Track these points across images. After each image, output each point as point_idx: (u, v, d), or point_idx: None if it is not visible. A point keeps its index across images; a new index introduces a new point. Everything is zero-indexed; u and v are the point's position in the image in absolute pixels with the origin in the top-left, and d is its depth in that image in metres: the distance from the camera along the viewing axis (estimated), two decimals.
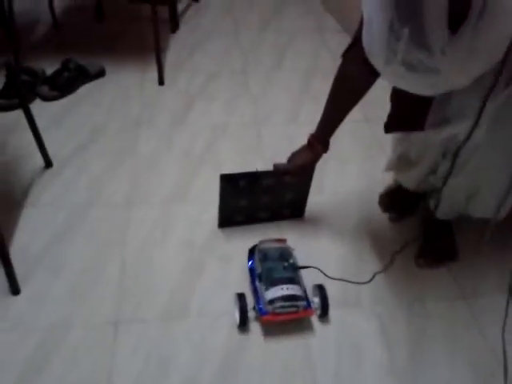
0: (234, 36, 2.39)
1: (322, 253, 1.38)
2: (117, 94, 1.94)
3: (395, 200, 1.51)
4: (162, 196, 1.53)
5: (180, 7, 2.55)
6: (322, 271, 1.29)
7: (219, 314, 1.22)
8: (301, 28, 2.48)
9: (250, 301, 1.21)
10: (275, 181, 1.38)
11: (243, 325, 1.19)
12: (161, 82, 2.00)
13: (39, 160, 1.57)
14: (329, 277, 1.29)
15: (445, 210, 1.32)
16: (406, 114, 1.20)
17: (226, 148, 1.72)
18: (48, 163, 1.57)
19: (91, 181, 1.55)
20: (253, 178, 1.37)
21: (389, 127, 1.29)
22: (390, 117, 1.29)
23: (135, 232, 1.41)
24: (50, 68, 1.97)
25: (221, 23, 2.51)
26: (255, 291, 1.23)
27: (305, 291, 1.21)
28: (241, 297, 1.20)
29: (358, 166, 1.66)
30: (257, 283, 1.23)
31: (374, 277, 1.31)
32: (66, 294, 1.24)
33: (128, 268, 1.31)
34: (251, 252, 1.32)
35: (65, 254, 1.33)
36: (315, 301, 1.23)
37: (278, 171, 1.33)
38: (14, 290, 1.21)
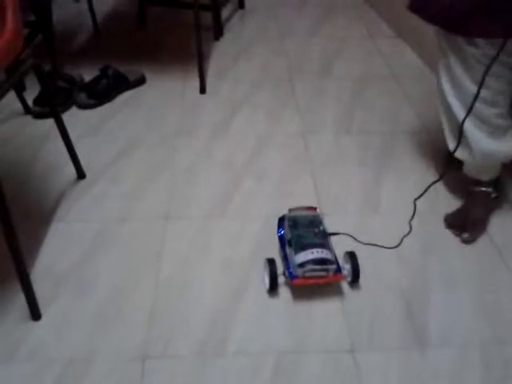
0: (280, 43, 2.25)
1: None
2: (156, 103, 1.85)
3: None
4: (200, 210, 1.41)
5: (224, 14, 2.46)
6: (352, 236, 1.29)
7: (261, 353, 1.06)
8: (350, 34, 2.32)
9: (280, 268, 1.20)
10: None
11: (273, 290, 1.18)
12: (202, 90, 1.91)
13: (72, 171, 1.48)
14: (359, 241, 1.29)
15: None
16: None
17: (270, 160, 1.59)
18: (81, 175, 1.47)
19: (125, 194, 1.45)
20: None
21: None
22: None
23: (171, 251, 1.28)
24: (89, 75, 1.90)
25: (266, 30, 2.38)
26: (285, 257, 1.21)
27: (335, 256, 1.19)
28: (271, 262, 1.18)
29: None
30: (287, 249, 1.22)
31: (401, 241, 1.28)
32: (91, 320, 1.11)
33: (161, 294, 1.17)
34: (281, 220, 1.29)
35: (93, 275, 1.21)
36: (346, 267, 1.20)
37: None
38: (35, 315, 1.10)
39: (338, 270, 1.17)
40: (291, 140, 1.67)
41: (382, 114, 1.75)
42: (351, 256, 1.19)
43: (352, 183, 1.49)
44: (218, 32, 2.27)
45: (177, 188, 1.48)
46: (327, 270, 1.15)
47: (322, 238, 1.19)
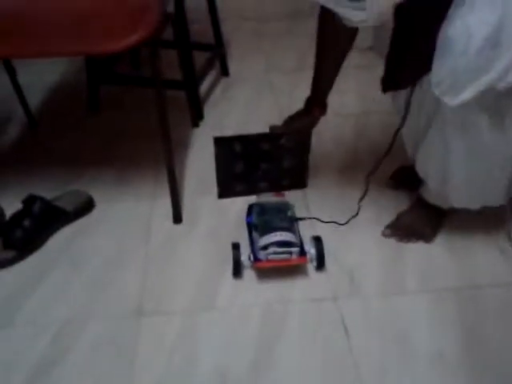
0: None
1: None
2: (107, 247, 1.30)
3: (407, 177, 1.44)
4: (182, 302, 1.18)
5: (204, 85, 1.95)
6: (319, 219, 1.33)
7: None
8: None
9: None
10: (272, 145, 1.36)
11: (237, 273, 1.20)
12: (177, 218, 1.38)
13: None
14: (323, 221, 1.33)
15: (428, 191, 1.29)
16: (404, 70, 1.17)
17: None
18: None
19: None
20: (248, 141, 1.34)
21: (386, 85, 1.26)
22: (387, 76, 1.25)
23: (146, 361, 1.05)
24: (11, 205, 1.35)
25: (259, 106, 1.89)
26: (251, 242, 1.24)
27: (300, 240, 1.22)
28: (235, 246, 1.21)
29: None
30: (253, 233, 1.25)
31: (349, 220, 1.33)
32: None
33: None
34: (250, 208, 1.33)
35: None
36: (312, 252, 1.22)
37: (274, 133, 1.31)
38: None
39: (303, 253, 1.21)
40: None
41: None
42: (316, 240, 1.23)
43: None
44: (196, 116, 1.78)
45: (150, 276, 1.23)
46: (290, 253, 1.18)
47: (288, 223, 1.23)
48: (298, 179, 1.47)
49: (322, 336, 1.10)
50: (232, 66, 2.16)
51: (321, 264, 1.22)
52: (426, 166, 1.24)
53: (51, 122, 1.84)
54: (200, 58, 1.90)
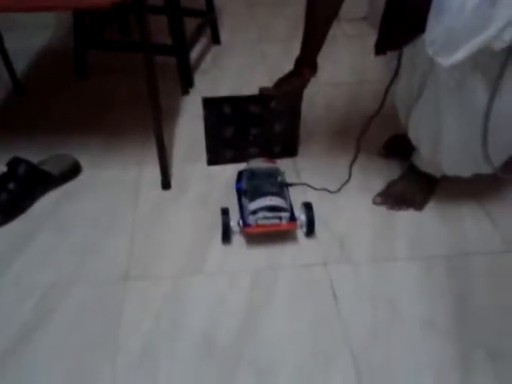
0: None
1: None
2: (94, 211, 1.28)
3: (399, 145, 1.43)
4: (170, 268, 1.16)
5: (195, 52, 1.92)
6: (310, 185, 1.32)
7: None
8: None
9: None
10: (262, 108, 1.34)
11: (225, 238, 1.18)
12: (165, 184, 1.35)
13: None
14: (314, 188, 1.32)
15: (420, 159, 1.28)
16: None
17: None
18: None
19: None
20: (238, 102, 1.32)
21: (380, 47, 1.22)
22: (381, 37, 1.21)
23: (132, 324, 1.04)
24: None
25: (252, 73, 1.86)
26: (240, 207, 1.23)
27: (291, 206, 1.21)
28: (224, 212, 1.18)
29: None
30: (243, 199, 1.23)
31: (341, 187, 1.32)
32: None
33: None
34: (240, 174, 1.31)
35: (30, 362, 0.97)
36: (302, 218, 1.20)
37: (264, 95, 1.29)
38: None
39: (292, 218, 1.19)
40: None
41: None
42: (307, 206, 1.21)
43: None
44: (186, 84, 1.73)
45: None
46: (280, 218, 1.17)
47: (279, 188, 1.21)
48: (289, 146, 1.45)
49: (311, 301, 1.09)
50: (224, 35, 2.12)
51: (311, 230, 1.20)
52: (419, 131, 1.22)
53: (37, 87, 1.80)
54: (191, 24, 1.85)
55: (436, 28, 0.97)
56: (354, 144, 1.32)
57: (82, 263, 1.17)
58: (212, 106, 1.33)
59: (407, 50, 1.17)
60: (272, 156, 1.39)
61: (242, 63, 1.96)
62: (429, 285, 1.13)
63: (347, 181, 1.33)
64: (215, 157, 1.42)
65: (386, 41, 1.20)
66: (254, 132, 1.40)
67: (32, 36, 2.09)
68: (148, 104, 1.26)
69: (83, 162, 1.44)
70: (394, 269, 1.16)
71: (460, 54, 0.95)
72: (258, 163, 1.30)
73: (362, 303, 1.08)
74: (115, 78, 1.84)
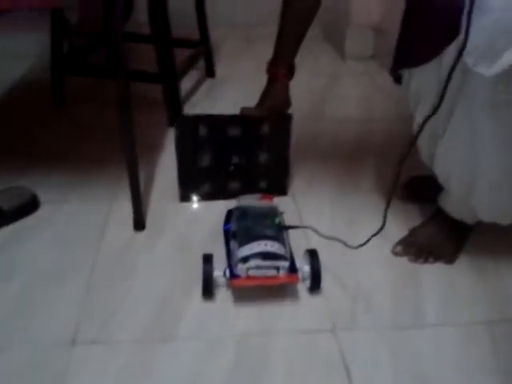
0: None
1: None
2: (46, 255, 1.04)
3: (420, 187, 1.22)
4: (133, 330, 0.90)
5: (186, 85, 1.74)
6: (315, 230, 1.03)
7: None
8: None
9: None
10: (244, 132, 1.15)
11: (207, 293, 0.93)
12: (138, 224, 1.12)
13: None
14: (323, 236, 1.02)
15: (449, 201, 1.06)
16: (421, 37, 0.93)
17: None
18: None
19: None
20: (216, 122, 1.14)
21: (397, 64, 1.02)
22: (399, 51, 1.02)
23: None
24: None
25: (247, 104, 1.60)
26: (228, 253, 0.99)
27: (290, 253, 0.97)
28: (207, 258, 0.94)
29: None
30: (231, 243, 0.99)
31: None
32: None
33: None
34: (229, 213, 1.08)
35: None
36: (305, 270, 0.96)
37: (247, 116, 1.11)
38: None
39: (293, 269, 0.95)
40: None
41: None
42: (311, 255, 0.97)
43: None
44: (173, 115, 1.53)
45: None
46: (277, 268, 0.92)
47: (276, 231, 0.97)
48: (278, 182, 1.22)
49: (314, 379, 0.82)
50: (219, 69, 1.97)
51: (316, 285, 0.96)
52: (448, 167, 0.99)
53: (9, 117, 1.60)
54: (184, 55, 1.70)
55: (474, 32, 0.77)
56: (367, 186, 1.11)
57: (18, 322, 0.90)
58: (185, 125, 1.13)
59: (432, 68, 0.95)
60: (257, 192, 1.15)
61: (236, 96, 1.75)
62: (467, 358, 0.87)
63: (381, 229, 0.99)
64: (189, 192, 1.19)
65: (406, 57, 1.00)
66: (235, 161, 1.18)
67: (10, 67, 1.92)
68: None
69: (44, 196, 1.20)
70: (422, 337, 0.90)
71: (505, 60, 0.75)
72: (252, 201, 1.07)
73: (381, 381, 0.81)
74: (95, 107, 1.65)
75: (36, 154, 1.40)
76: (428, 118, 0.87)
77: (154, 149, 1.44)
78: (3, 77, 1.83)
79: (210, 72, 1.92)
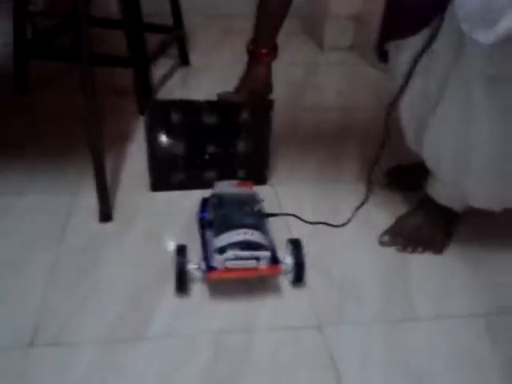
0: None
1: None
2: (2, 249, 0.95)
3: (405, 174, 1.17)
4: (98, 329, 0.80)
5: (159, 72, 1.68)
6: (298, 217, 1.02)
7: None
8: None
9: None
10: (220, 119, 1.07)
11: (181, 288, 0.84)
12: (104, 215, 1.02)
13: None
14: (306, 221, 1.03)
15: (438, 188, 1.00)
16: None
17: None
18: None
19: None
20: (190, 108, 1.06)
21: (384, 37, 0.94)
22: (385, 23, 0.95)
23: None
24: None
25: None
26: (203, 244, 0.90)
27: (272, 243, 0.89)
28: (180, 250, 0.85)
29: None
30: (206, 233, 0.91)
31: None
32: None
33: None
34: (205, 202, 1.00)
35: None
36: (287, 261, 0.88)
37: (225, 102, 1.03)
38: None
39: (275, 260, 0.87)
40: None
41: None
42: (294, 245, 0.89)
43: None
44: (144, 102, 1.42)
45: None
46: (257, 259, 0.84)
47: (256, 219, 0.89)
48: (257, 171, 1.15)
49: (302, 380, 0.74)
50: (194, 57, 1.88)
51: (299, 277, 0.88)
52: (439, 149, 0.93)
53: None
54: (155, 40, 1.60)
55: None
56: (354, 175, 1.07)
57: None
58: (156, 110, 1.05)
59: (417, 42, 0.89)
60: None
61: (212, 85, 1.64)
62: (463, 351, 0.81)
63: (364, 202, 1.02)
64: (161, 181, 1.11)
65: (393, 28, 0.93)
66: (210, 150, 1.10)
67: None
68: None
69: (4, 186, 1.11)
70: (414, 331, 0.84)
71: (506, 23, 0.68)
72: (228, 187, 0.98)
73: (373, 381, 0.75)
74: (61, 94, 1.54)
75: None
76: (393, 102, 0.83)
77: (123, 137, 1.34)
78: None
79: (184, 60, 1.83)
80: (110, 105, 1.44)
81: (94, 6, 1.91)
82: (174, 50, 1.81)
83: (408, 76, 0.89)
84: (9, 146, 1.28)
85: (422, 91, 0.91)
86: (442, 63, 0.85)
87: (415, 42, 0.86)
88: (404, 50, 0.91)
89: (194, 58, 1.87)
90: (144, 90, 1.48)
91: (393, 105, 0.95)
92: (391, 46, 0.95)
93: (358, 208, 1.04)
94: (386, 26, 0.94)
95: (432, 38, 0.83)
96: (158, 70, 1.71)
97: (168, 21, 1.75)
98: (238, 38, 2.01)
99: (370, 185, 1.10)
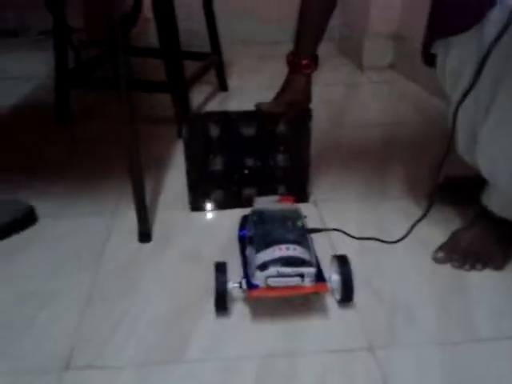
0: None
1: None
2: (41, 271, 0.93)
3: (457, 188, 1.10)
4: (135, 352, 0.77)
5: (197, 98, 1.69)
6: (344, 232, 0.98)
7: None
8: None
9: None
10: (259, 131, 1.05)
11: (220, 308, 0.80)
12: (143, 235, 1.01)
13: None
14: (354, 237, 0.98)
15: (495, 199, 0.92)
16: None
17: None
18: None
19: None
20: (228, 120, 1.04)
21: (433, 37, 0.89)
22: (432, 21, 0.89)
23: None
24: None
25: None
26: (244, 262, 0.87)
27: (316, 259, 0.83)
28: (220, 268, 0.81)
29: None
30: (247, 250, 0.87)
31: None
32: None
33: None
34: (245, 219, 0.98)
35: None
36: (334, 279, 0.83)
37: (263, 112, 1.01)
38: None
39: (320, 277, 0.81)
40: None
41: None
42: (341, 261, 0.83)
43: None
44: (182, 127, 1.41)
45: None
46: (302, 276, 0.78)
47: (299, 235, 0.84)
48: (297, 187, 1.11)
49: None
50: (232, 83, 1.89)
51: (348, 296, 0.82)
52: (494, 154, 0.86)
53: (11, 135, 1.52)
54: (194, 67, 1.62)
55: None
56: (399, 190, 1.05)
57: (4, 346, 0.78)
58: (195, 123, 1.03)
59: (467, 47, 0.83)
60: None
61: (249, 107, 1.66)
62: None
63: (423, 216, 0.93)
64: (200, 200, 1.08)
65: (441, 24, 0.88)
66: (249, 164, 1.07)
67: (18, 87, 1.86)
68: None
69: (43, 208, 1.10)
70: (475, 354, 0.76)
71: None
72: (269, 203, 0.94)
73: None
74: (103, 122, 1.56)
75: (36, 169, 1.31)
76: (467, 92, 0.76)
77: (162, 160, 1.34)
78: (9, 97, 1.77)
79: (222, 85, 1.84)
80: (150, 131, 1.44)
81: (134, 37, 1.98)
82: (212, 77, 1.83)
83: (477, 72, 0.81)
84: (49, 171, 1.30)
85: (470, 99, 0.85)
86: (495, 63, 0.79)
87: (466, 38, 0.81)
88: (454, 48, 0.85)
89: (231, 83, 1.88)
90: (183, 114, 1.49)
91: (461, 102, 0.85)
92: (440, 46, 0.89)
93: (415, 223, 0.97)
94: (434, 25, 0.89)
95: (504, 30, 0.75)
96: (197, 95, 1.73)
97: (206, 49, 1.77)
98: (274, 63, 2.05)
99: (432, 198, 0.99)
